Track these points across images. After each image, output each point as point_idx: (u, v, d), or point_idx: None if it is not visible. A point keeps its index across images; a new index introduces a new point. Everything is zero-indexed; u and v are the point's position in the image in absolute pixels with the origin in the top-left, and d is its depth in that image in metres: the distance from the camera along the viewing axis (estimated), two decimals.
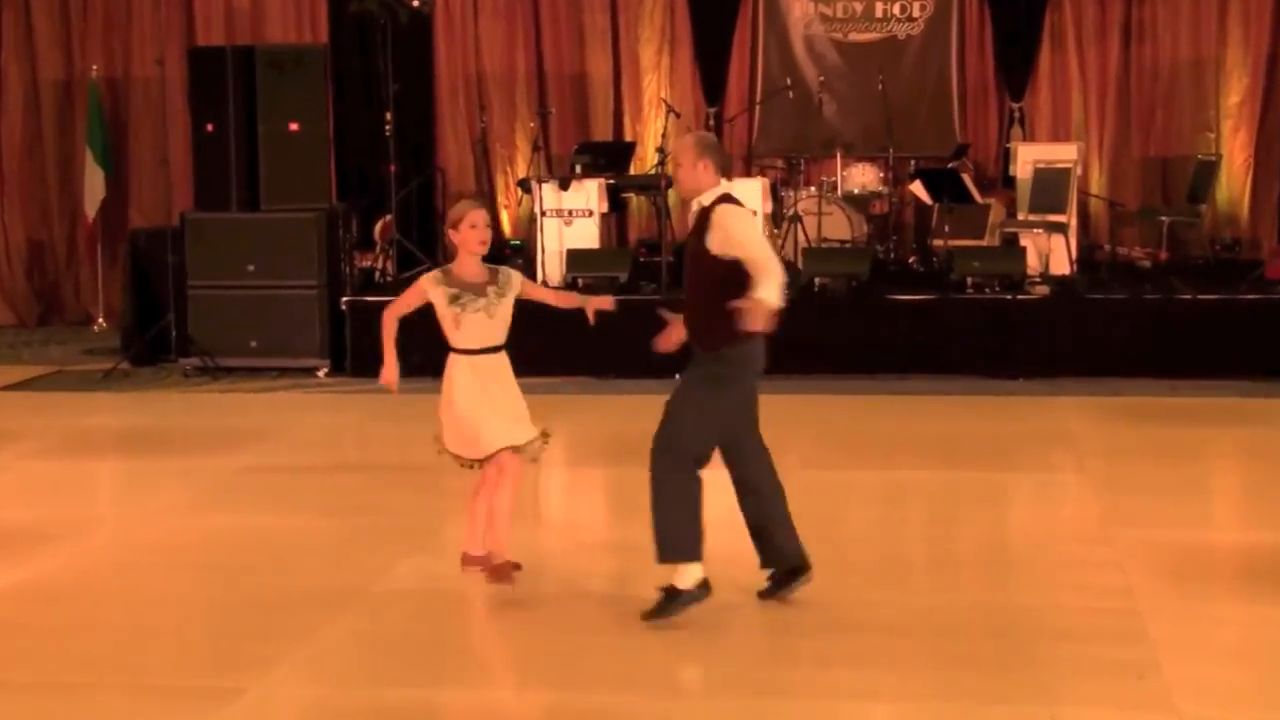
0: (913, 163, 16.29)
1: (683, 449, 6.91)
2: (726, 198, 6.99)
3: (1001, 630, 7.00)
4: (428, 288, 7.42)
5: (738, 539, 8.74)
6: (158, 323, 14.55)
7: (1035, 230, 14.45)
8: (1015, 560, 8.36)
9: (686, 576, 6.99)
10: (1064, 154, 15.06)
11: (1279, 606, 7.33)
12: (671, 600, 6.99)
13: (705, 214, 6.98)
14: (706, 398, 6.96)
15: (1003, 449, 10.90)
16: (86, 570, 8.20)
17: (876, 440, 11.30)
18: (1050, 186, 14.69)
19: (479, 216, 7.43)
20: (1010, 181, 15.65)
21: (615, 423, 11.74)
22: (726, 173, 7.08)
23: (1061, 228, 14.31)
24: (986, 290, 13.91)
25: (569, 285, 13.95)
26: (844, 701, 6.20)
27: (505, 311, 7.47)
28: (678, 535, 6.93)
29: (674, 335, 7.16)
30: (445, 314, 7.43)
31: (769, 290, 6.68)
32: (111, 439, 12.05)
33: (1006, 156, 16.32)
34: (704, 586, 7.02)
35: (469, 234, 7.40)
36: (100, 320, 17.14)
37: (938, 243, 14.94)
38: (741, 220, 6.95)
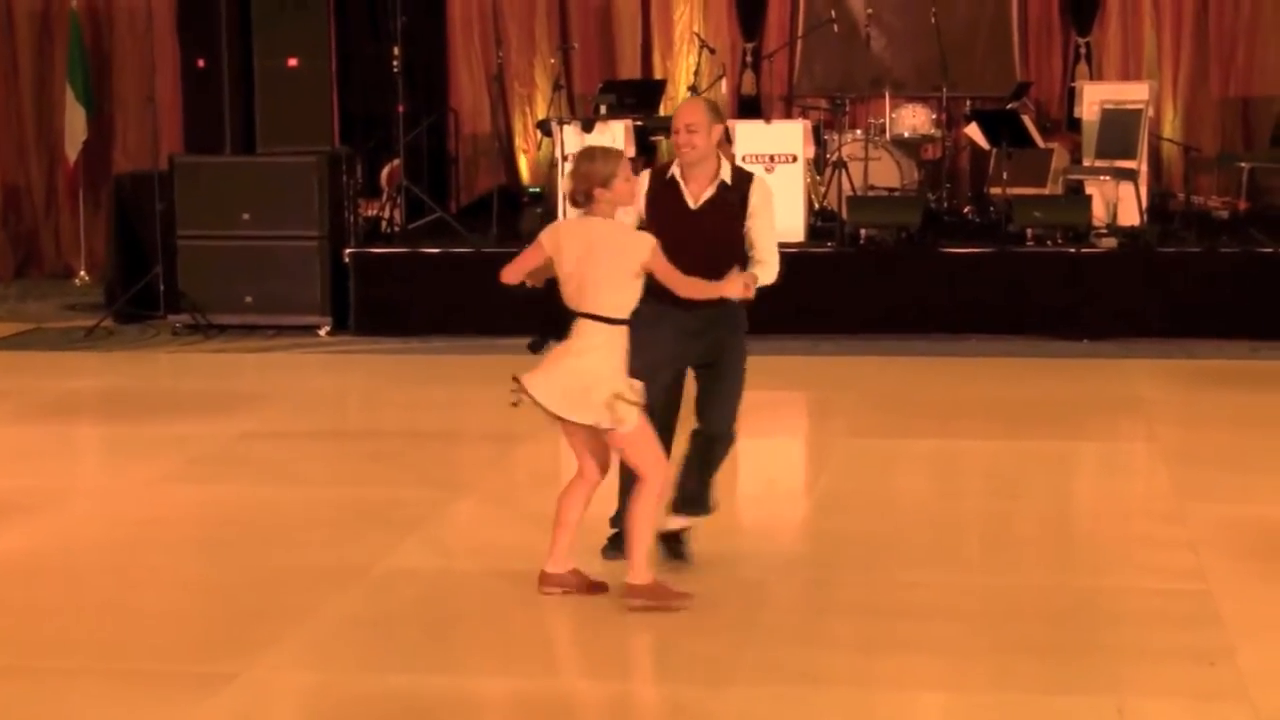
0: (968, 103, 16.24)
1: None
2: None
3: (1063, 614, 6.98)
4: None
5: (768, 511, 8.72)
6: (144, 276, 14.57)
7: (1102, 177, 14.39)
8: (1079, 538, 8.35)
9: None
10: (1134, 94, 14.97)
11: None
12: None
13: (747, 178, 7.37)
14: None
15: (1066, 416, 10.87)
16: (66, 545, 8.21)
17: (928, 406, 11.28)
18: (1119, 129, 14.62)
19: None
20: (1075, 124, 15.57)
21: None
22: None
23: (1131, 174, 14.25)
24: (1049, 243, 13.88)
25: None
26: (888, 691, 6.18)
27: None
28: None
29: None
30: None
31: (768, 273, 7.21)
32: (94, 402, 12.08)
33: (1071, 96, 16.21)
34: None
35: (623, 188, 6.96)
36: (82, 273, 17.15)
37: (995, 191, 14.88)
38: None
